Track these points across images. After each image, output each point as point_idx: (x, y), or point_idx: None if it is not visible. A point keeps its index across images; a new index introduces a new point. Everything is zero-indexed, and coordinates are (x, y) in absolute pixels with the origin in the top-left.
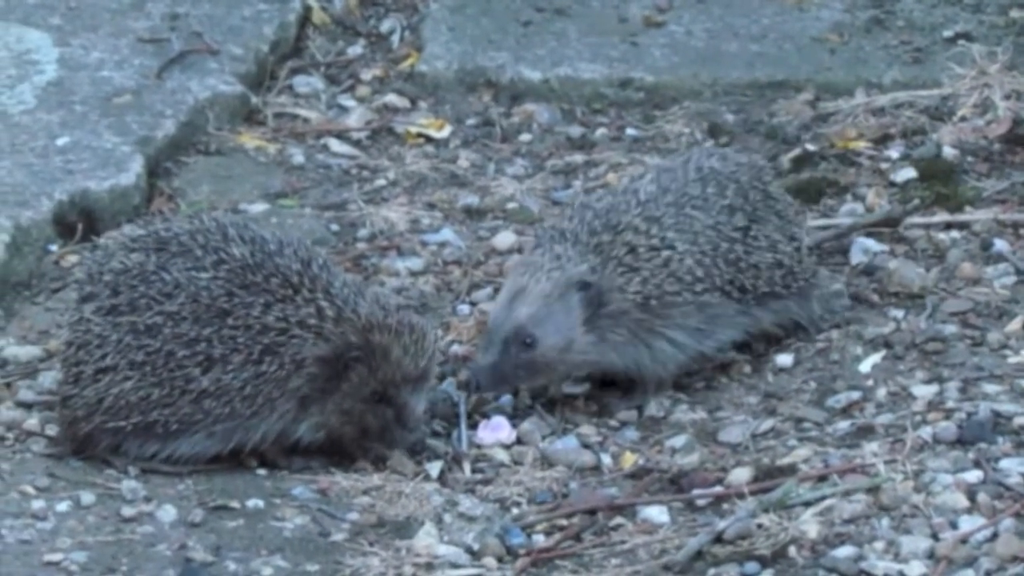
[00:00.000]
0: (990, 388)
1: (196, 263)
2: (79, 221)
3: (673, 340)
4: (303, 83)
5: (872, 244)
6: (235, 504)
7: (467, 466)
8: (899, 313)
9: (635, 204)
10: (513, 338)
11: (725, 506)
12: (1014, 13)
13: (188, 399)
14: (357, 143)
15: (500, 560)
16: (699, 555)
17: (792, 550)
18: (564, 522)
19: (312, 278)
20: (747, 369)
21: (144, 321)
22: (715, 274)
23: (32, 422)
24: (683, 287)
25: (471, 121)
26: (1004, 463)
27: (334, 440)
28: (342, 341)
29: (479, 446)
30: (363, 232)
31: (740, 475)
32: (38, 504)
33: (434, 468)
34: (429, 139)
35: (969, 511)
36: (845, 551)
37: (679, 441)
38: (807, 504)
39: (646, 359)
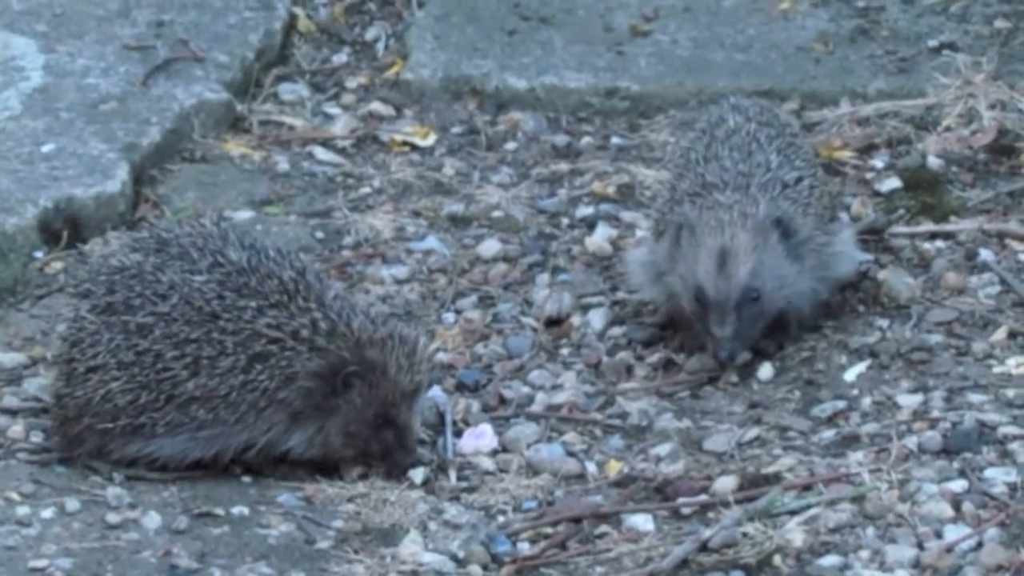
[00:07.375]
0: (975, 398)
1: (192, 265)
2: (64, 228)
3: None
4: (288, 90)
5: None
6: (220, 511)
7: (452, 474)
8: (884, 322)
9: (759, 142)
10: (742, 301)
11: (710, 515)
12: (999, 23)
13: (175, 404)
14: (342, 151)
15: (485, 568)
16: (684, 563)
17: (777, 559)
18: (549, 530)
19: (307, 287)
20: (732, 378)
21: (136, 321)
22: (828, 199)
23: (17, 429)
24: (815, 215)
25: (456, 129)
26: (989, 472)
27: (327, 456)
28: (337, 357)
29: (462, 454)
30: (348, 240)
31: (725, 484)
32: (23, 510)
33: (419, 475)
34: (414, 147)
35: (954, 520)
36: (830, 560)
37: (664, 449)
38: (792, 513)
39: (808, 290)
